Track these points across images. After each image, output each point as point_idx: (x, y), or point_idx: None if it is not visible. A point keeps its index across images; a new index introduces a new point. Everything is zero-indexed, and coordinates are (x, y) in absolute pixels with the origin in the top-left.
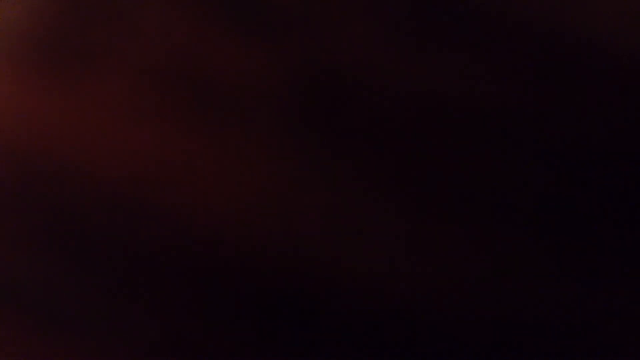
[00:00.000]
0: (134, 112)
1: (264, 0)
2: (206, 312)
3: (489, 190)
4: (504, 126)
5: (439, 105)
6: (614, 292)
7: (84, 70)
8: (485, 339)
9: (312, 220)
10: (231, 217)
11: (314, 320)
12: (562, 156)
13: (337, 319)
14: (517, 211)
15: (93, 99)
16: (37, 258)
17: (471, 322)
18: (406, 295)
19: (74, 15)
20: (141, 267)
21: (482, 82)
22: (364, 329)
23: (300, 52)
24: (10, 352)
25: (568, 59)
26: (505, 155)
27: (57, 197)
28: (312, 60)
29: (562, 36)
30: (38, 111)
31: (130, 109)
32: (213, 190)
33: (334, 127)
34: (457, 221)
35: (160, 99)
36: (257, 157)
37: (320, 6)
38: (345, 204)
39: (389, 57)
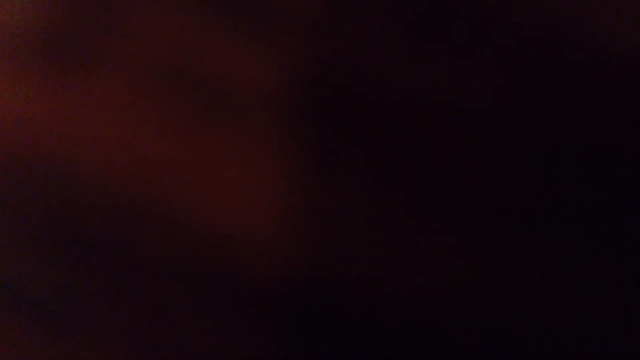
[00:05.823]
0: (134, 113)
1: (266, 0)
2: (206, 312)
3: (490, 191)
4: (504, 126)
5: (439, 106)
6: (614, 293)
7: (85, 71)
8: (486, 340)
9: (312, 220)
10: (231, 217)
11: (315, 320)
12: (562, 156)
13: (338, 319)
14: (518, 212)
15: (93, 100)
16: (37, 258)
17: (470, 323)
18: (407, 296)
19: (74, 16)
20: (142, 268)
21: (483, 82)
22: (365, 329)
23: (301, 52)
24: (11, 352)
25: (568, 59)
26: (505, 156)
27: (58, 198)
28: (312, 60)
29: (562, 36)
30: (39, 112)
31: (130, 110)
32: (214, 190)
33: (334, 127)
34: (458, 222)
35: (162, 100)
36: (258, 157)
37: (321, 6)
38: (345, 205)
39: (389, 57)
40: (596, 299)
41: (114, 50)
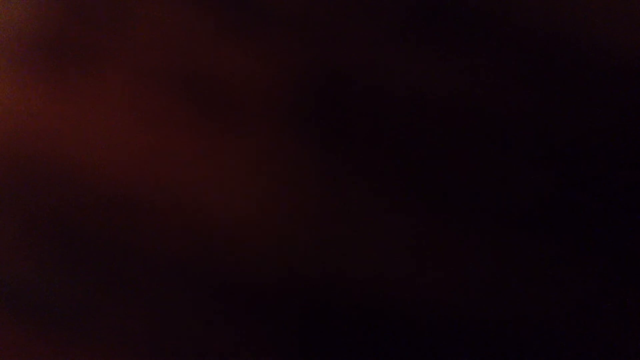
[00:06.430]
0: (134, 113)
1: (265, 0)
2: (205, 312)
3: (492, 191)
4: (506, 127)
5: (440, 106)
6: (617, 293)
7: (84, 71)
8: (487, 340)
9: (314, 221)
10: (232, 217)
11: (315, 321)
12: (564, 156)
13: (339, 320)
14: (520, 212)
15: (93, 100)
16: (37, 258)
17: (474, 323)
18: (409, 297)
19: (74, 16)
20: (142, 268)
21: (483, 82)
22: (365, 329)
23: (302, 52)
24: (10, 353)
25: (568, 59)
26: (508, 156)
27: (58, 198)
28: (313, 60)
29: (563, 37)
30: (38, 112)
31: (130, 110)
32: (214, 191)
33: (336, 128)
34: (460, 222)
35: (161, 100)
36: (259, 158)
37: (321, 6)
38: (346, 206)
39: (390, 57)
40: (596, 299)
41: (113, 50)
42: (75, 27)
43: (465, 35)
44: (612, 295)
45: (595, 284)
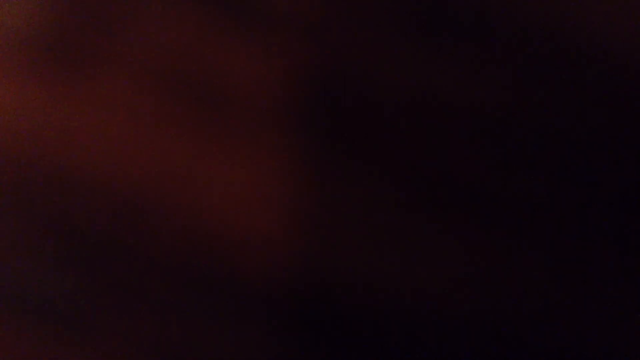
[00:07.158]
0: (134, 114)
1: (266, 0)
2: (206, 313)
3: (491, 191)
4: (506, 127)
5: (440, 106)
6: (613, 293)
7: (84, 73)
8: (490, 340)
9: (313, 222)
10: (232, 218)
11: (317, 321)
12: (563, 156)
13: (340, 320)
14: (520, 212)
15: (93, 101)
16: (37, 259)
17: (474, 323)
18: (408, 297)
19: (74, 17)
20: (141, 269)
21: (484, 82)
22: (365, 328)
23: (302, 52)
24: (11, 352)
25: (568, 59)
26: (506, 157)
27: (58, 199)
28: (314, 60)
29: (563, 37)
30: (39, 113)
31: (130, 111)
32: (214, 191)
33: (335, 128)
34: (460, 222)
35: (161, 101)
36: (259, 158)
37: (322, 7)
38: (346, 207)
39: (391, 57)
40: (595, 299)
41: (113, 52)
42: (76, 30)
43: (465, 35)
44: (612, 295)
45: (595, 283)
